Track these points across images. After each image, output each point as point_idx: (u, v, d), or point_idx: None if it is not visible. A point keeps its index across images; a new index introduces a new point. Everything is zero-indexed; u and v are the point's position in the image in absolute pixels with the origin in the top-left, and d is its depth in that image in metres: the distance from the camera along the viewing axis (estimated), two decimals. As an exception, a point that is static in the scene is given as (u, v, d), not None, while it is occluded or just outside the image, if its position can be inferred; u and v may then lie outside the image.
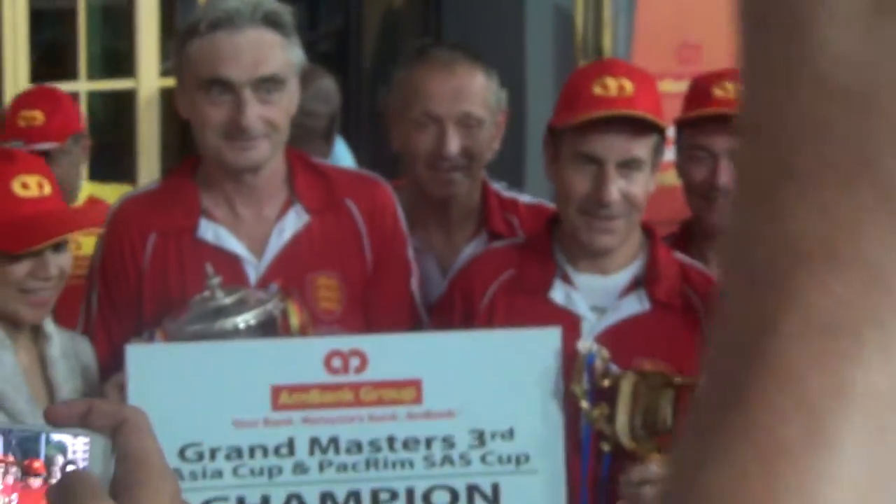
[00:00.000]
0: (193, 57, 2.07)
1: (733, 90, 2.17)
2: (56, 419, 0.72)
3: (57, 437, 0.72)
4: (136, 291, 2.10)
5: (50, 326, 1.99)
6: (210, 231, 2.10)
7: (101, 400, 1.48)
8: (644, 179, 2.05)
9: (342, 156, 3.55)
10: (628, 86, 2.07)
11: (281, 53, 2.08)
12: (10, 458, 0.70)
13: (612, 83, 2.08)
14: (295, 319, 2.03)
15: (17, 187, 1.88)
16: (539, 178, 2.81)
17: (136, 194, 2.28)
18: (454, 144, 2.24)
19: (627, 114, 2.02)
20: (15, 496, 0.70)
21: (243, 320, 1.97)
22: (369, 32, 4.79)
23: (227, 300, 1.99)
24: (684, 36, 4.13)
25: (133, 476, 0.66)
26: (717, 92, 2.24)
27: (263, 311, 1.99)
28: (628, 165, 2.04)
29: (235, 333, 1.96)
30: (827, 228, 0.28)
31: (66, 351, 2.03)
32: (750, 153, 0.31)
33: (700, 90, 2.32)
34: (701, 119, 2.23)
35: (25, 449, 0.73)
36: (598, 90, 2.07)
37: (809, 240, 0.29)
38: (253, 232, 2.13)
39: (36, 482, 0.68)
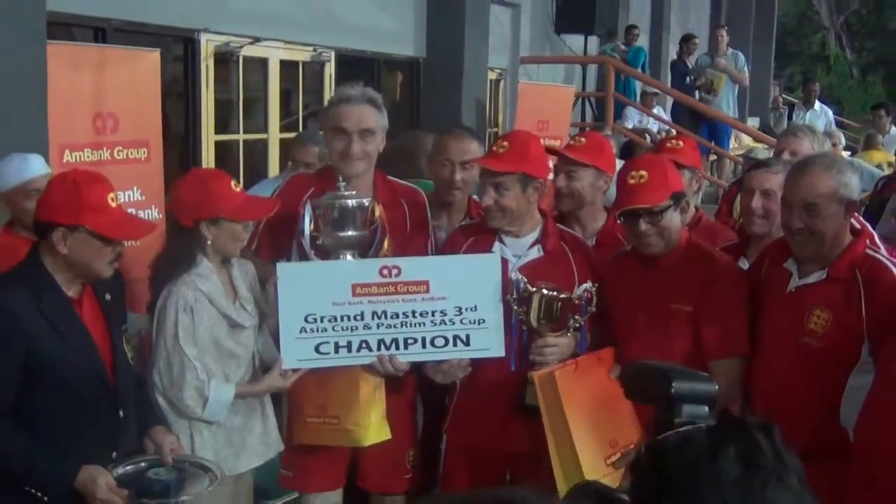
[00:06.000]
0: (330, 116, 3.03)
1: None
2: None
3: None
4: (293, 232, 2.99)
5: (233, 258, 2.85)
6: None
7: None
8: (511, 195, 2.87)
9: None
10: (506, 145, 2.95)
11: (374, 117, 3.01)
12: None
13: (501, 142, 3.00)
14: (387, 251, 2.97)
15: (233, 185, 2.76)
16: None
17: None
18: (459, 177, 3.44)
19: (489, 166, 2.94)
20: None
21: (351, 254, 2.93)
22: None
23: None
24: (538, 116, 7.70)
25: None
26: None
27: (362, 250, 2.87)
28: (497, 186, 2.92)
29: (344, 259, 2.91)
30: None
31: (241, 270, 2.90)
32: None
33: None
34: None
35: None
36: (494, 148, 2.97)
37: None
38: None
39: None
